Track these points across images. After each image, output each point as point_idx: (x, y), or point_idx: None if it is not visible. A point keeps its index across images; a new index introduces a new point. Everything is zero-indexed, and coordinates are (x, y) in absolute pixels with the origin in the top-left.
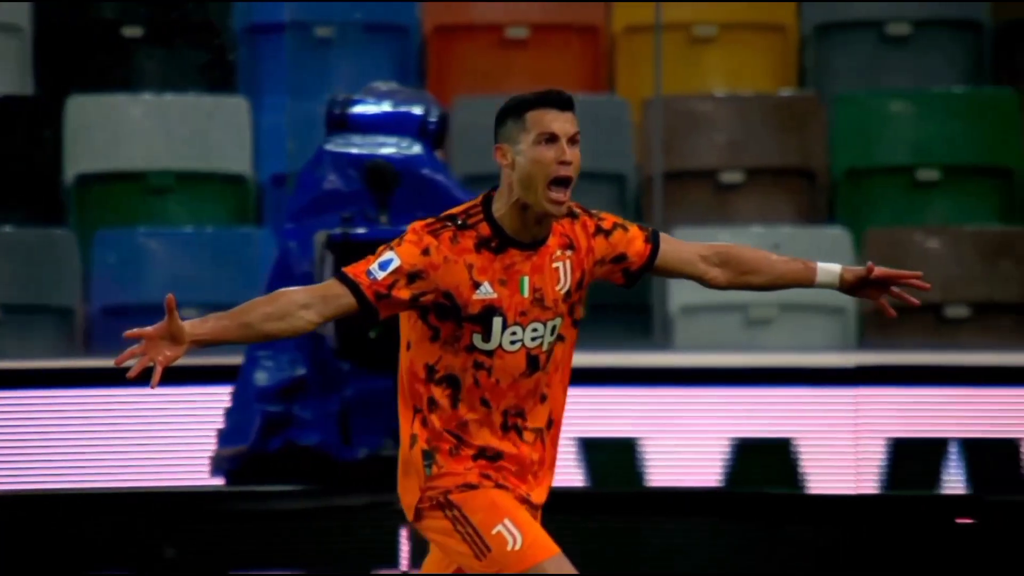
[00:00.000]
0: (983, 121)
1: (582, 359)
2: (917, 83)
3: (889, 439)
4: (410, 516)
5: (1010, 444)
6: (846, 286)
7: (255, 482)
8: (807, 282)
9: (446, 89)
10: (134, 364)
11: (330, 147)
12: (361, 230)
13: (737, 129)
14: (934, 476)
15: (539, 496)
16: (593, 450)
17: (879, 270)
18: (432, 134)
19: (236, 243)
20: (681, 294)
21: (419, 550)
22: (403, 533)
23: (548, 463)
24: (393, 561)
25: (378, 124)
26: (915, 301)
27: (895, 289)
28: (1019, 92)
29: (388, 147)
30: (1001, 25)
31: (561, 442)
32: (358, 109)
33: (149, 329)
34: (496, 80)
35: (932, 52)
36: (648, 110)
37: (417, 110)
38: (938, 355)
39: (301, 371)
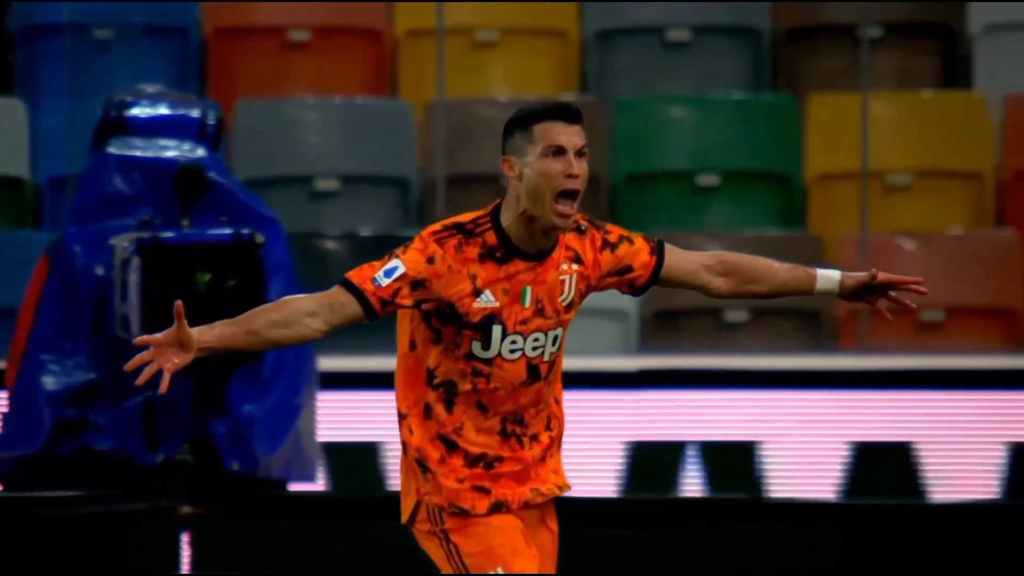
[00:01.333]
0: (762, 127)
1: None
2: (697, 89)
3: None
4: (404, 519)
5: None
6: (846, 292)
7: (35, 487)
8: (807, 289)
9: (228, 92)
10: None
11: (113, 150)
12: (169, 234)
13: None
14: (671, 479)
15: (547, 487)
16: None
17: (882, 276)
18: (211, 136)
19: (14, 246)
20: None
21: (202, 557)
22: (185, 538)
23: (552, 463)
24: (174, 566)
25: (157, 127)
26: (912, 306)
27: (893, 294)
28: (798, 98)
29: (171, 150)
30: (780, 31)
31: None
32: (136, 111)
33: (158, 336)
34: (278, 83)
35: (712, 58)
36: (431, 114)
37: (195, 112)
38: (718, 358)
39: (91, 375)
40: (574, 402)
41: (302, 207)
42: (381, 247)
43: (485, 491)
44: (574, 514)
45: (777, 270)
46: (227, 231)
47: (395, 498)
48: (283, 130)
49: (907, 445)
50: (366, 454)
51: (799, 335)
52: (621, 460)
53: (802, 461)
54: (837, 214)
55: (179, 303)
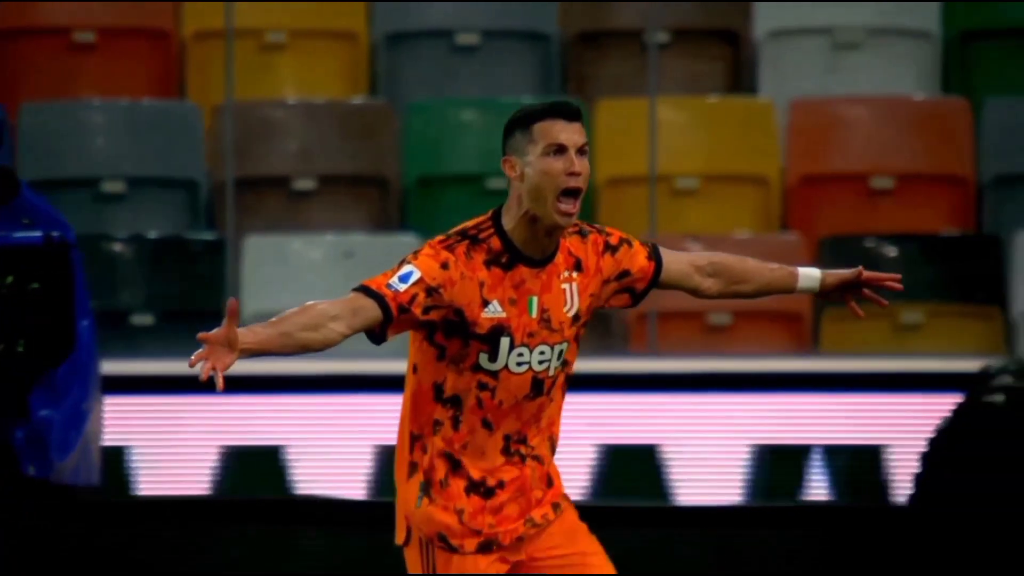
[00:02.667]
0: None
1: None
2: (487, 92)
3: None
4: (399, 540)
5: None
6: (827, 289)
7: None
8: (790, 288)
9: (12, 94)
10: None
11: None
12: None
13: (309, 136)
14: None
15: (542, 513)
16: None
17: (867, 274)
18: None
19: None
20: (254, 301)
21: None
22: None
23: (550, 484)
24: None
25: None
26: (885, 303)
27: (867, 291)
28: (587, 102)
29: None
30: (569, 36)
31: None
32: None
33: (213, 333)
34: (64, 85)
35: (502, 62)
36: (219, 116)
37: None
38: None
39: None
40: None
41: (88, 210)
42: (169, 250)
43: (476, 532)
44: None
45: (762, 270)
46: (36, 233)
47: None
48: (69, 132)
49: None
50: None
51: (592, 339)
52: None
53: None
54: (626, 217)
55: (233, 300)
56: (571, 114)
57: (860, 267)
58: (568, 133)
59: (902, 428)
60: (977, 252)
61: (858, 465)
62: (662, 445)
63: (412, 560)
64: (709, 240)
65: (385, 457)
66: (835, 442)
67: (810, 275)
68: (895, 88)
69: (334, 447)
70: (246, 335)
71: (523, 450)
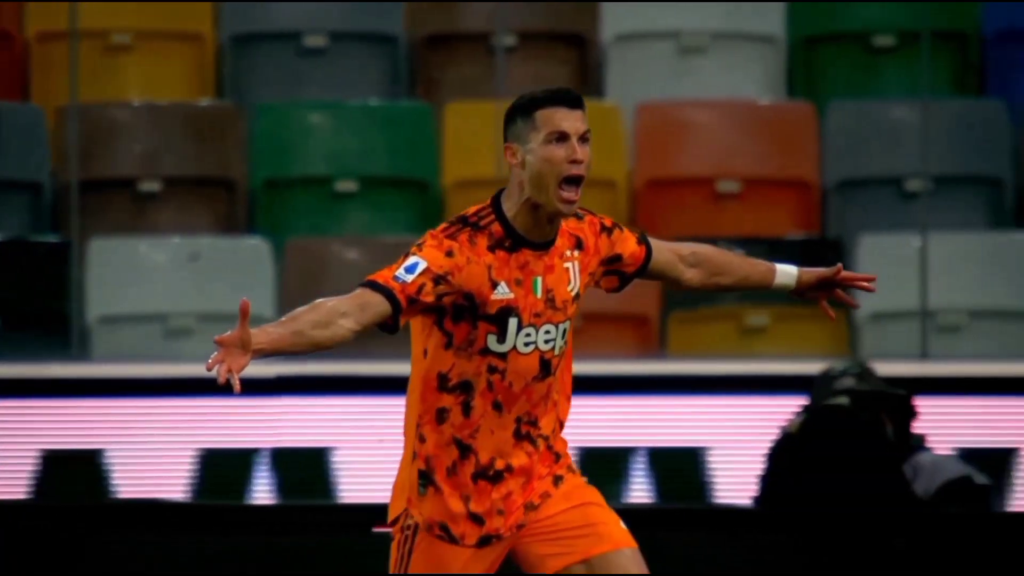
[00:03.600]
0: (400, 133)
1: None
2: (335, 95)
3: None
4: (389, 519)
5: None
6: (802, 287)
7: None
8: (767, 283)
9: None
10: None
11: None
12: None
13: (155, 138)
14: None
15: (540, 491)
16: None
17: (845, 273)
18: None
19: None
20: (99, 304)
21: None
22: None
23: (557, 460)
24: None
25: None
26: (856, 303)
27: (839, 292)
28: (435, 105)
29: None
30: (416, 39)
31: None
32: None
33: (228, 336)
34: None
35: (349, 64)
36: (64, 118)
37: None
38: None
39: None
40: None
41: None
42: (13, 253)
43: (479, 521)
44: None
45: (742, 263)
46: None
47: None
48: None
49: None
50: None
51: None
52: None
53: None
54: None
55: (245, 301)
56: (573, 101)
57: (839, 264)
58: (571, 120)
59: (731, 430)
60: (821, 255)
61: (680, 467)
62: None
63: (392, 558)
64: None
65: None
66: (659, 445)
67: (787, 272)
68: (741, 92)
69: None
70: (259, 335)
71: (533, 432)
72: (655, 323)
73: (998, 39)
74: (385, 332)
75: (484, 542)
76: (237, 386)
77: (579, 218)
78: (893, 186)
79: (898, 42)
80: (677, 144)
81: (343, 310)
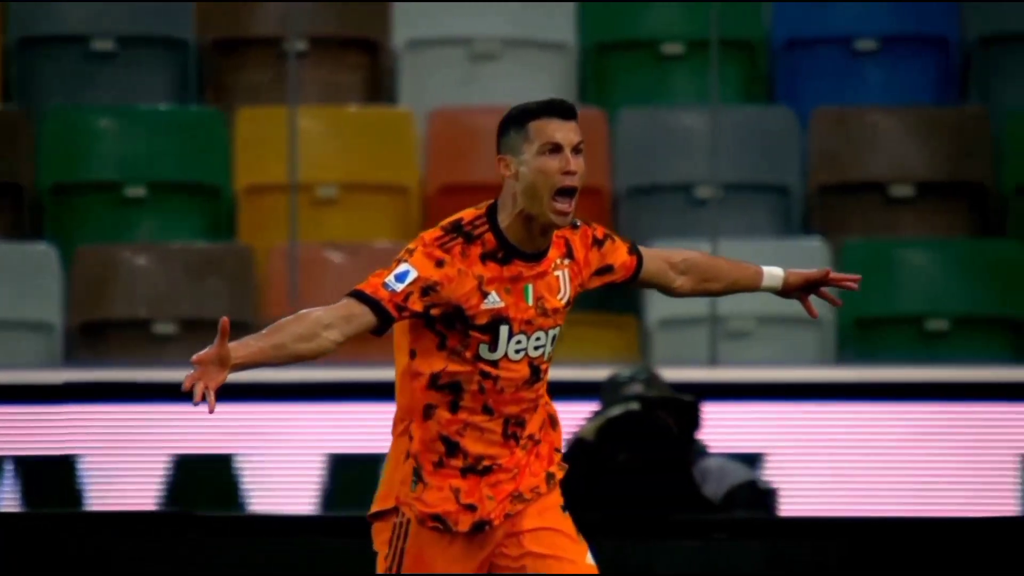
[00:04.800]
0: (190, 139)
1: None
2: (123, 99)
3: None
4: (370, 512)
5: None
6: (789, 288)
7: None
8: (755, 286)
9: None
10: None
11: None
12: None
13: None
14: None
15: (530, 487)
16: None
17: (834, 275)
18: None
19: None
20: None
21: None
22: None
23: (539, 460)
24: None
25: None
26: (839, 302)
27: (824, 291)
28: (226, 110)
29: None
30: (206, 43)
31: None
32: None
33: (205, 354)
34: None
35: (139, 69)
36: None
37: None
38: (148, 372)
39: None
40: None
41: None
42: None
43: (471, 508)
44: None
45: (731, 268)
46: None
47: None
48: None
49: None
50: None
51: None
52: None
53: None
54: (267, 226)
55: (225, 319)
56: (567, 112)
57: (827, 268)
58: (564, 132)
59: None
60: None
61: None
62: (238, 455)
63: (380, 533)
64: (349, 249)
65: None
66: None
67: (773, 274)
68: (532, 99)
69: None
70: (237, 349)
71: (520, 432)
72: None
73: (786, 47)
74: (372, 334)
75: (477, 528)
76: (212, 405)
77: (574, 227)
78: (683, 193)
79: (687, 50)
80: (469, 150)
81: (327, 322)
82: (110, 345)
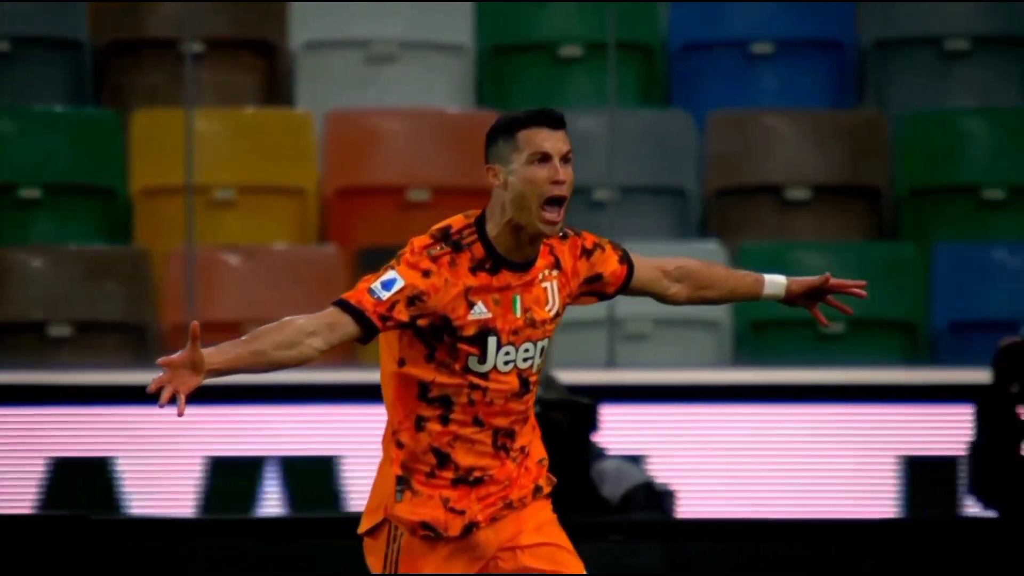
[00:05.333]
0: (85, 141)
1: None
2: (19, 100)
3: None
4: (362, 528)
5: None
6: (792, 296)
7: None
8: (755, 294)
9: None
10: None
11: None
12: None
13: None
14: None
15: (520, 493)
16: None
17: (834, 281)
18: None
19: None
20: None
21: None
22: None
23: (528, 472)
24: None
25: None
26: (849, 310)
27: (831, 299)
28: (122, 112)
29: None
30: (101, 44)
31: None
32: None
33: (175, 357)
34: None
35: (33, 70)
36: None
37: None
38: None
39: None
40: None
41: None
42: None
43: (460, 512)
44: None
45: (729, 276)
46: None
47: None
48: None
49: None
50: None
51: (126, 350)
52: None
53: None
54: (163, 229)
55: (195, 324)
56: (556, 122)
57: (827, 274)
58: (553, 141)
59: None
60: None
61: (313, 476)
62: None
63: (374, 551)
64: (247, 252)
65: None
66: (291, 454)
67: (776, 282)
68: (430, 101)
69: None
70: (214, 355)
71: (509, 444)
72: None
73: (683, 50)
74: (366, 340)
75: (467, 531)
76: (182, 408)
77: (563, 237)
78: (581, 195)
79: (585, 52)
80: (367, 152)
81: (311, 329)
82: (4, 347)
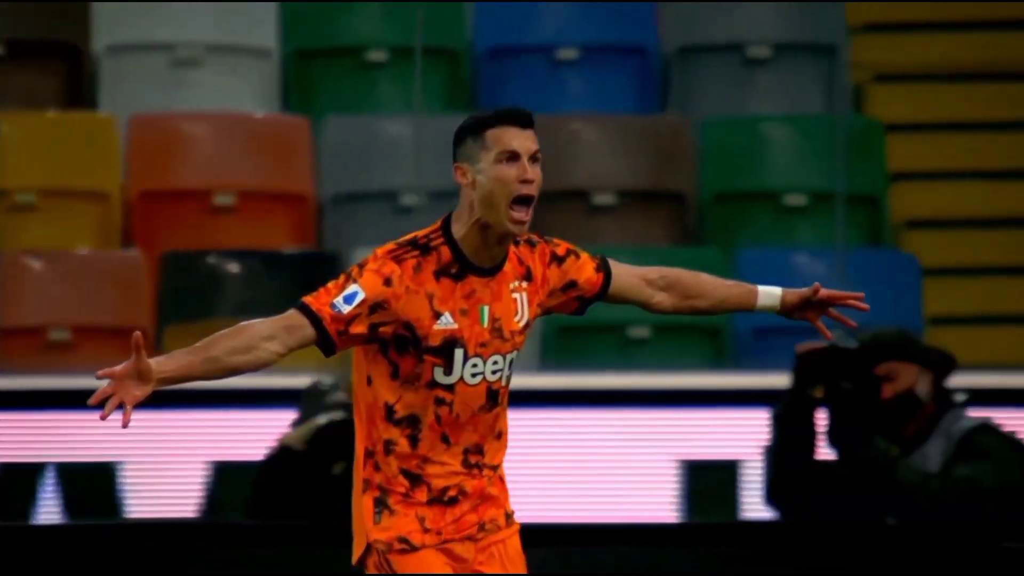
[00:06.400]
0: None
1: None
2: None
3: None
4: (354, 560)
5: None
6: (787, 308)
7: None
8: (749, 305)
9: None
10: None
11: None
12: None
13: None
14: None
15: (491, 519)
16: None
17: (824, 291)
18: None
19: None
20: None
21: None
22: None
23: (500, 491)
24: None
25: None
26: (853, 323)
27: (834, 311)
28: None
29: None
30: None
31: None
32: None
33: (118, 369)
34: None
35: None
36: None
37: None
38: None
39: None
40: None
41: None
42: None
43: (436, 532)
44: None
45: (718, 285)
46: None
47: None
48: None
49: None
50: None
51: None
52: None
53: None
54: None
55: (137, 334)
56: (524, 120)
57: (817, 284)
58: (521, 140)
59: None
60: (318, 269)
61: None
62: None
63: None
64: (49, 256)
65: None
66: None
67: (771, 293)
68: (236, 105)
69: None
70: (164, 363)
71: (481, 461)
72: (151, 335)
73: (489, 55)
74: (323, 352)
75: (442, 544)
76: (127, 419)
77: (531, 246)
78: (389, 200)
79: (391, 57)
80: (172, 157)
81: (267, 333)
82: None
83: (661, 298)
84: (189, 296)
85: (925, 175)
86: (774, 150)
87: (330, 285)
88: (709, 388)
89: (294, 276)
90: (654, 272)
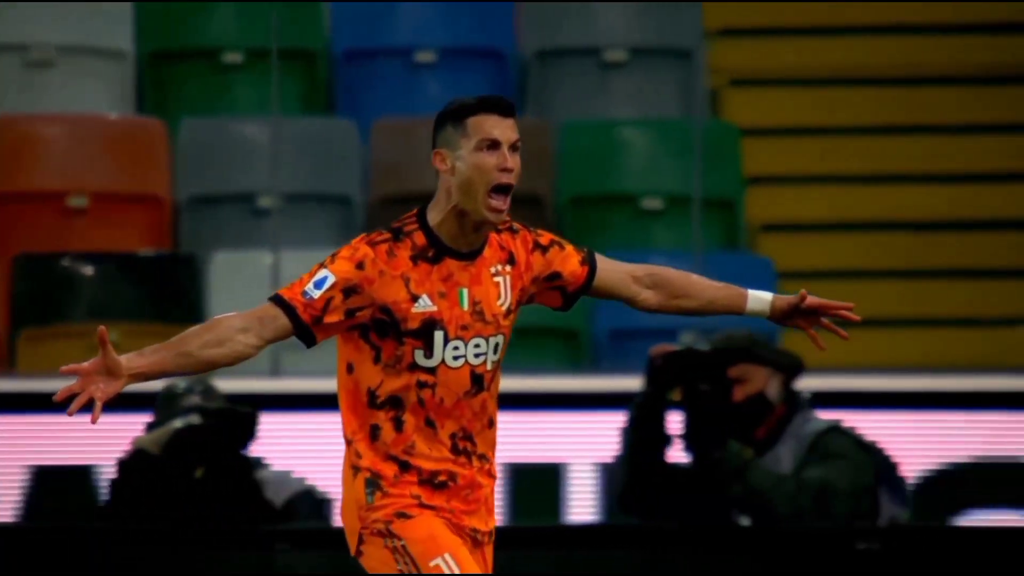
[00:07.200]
0: None
1: None
2: None
3: None
4: (352, 550)
5: None
6: (777, 314)
7: None
8: (738, 309)
9: None
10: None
11: None
12: None
13: None
14: None
15: (488, 523)
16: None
17: (811, 299)
18: None
19: None
20: None
21: None
22: None
23: (488, 492)
24: None
25: None
26: (844, 334)
27: (825, 320)
28: None
29: None
30: None
31: None
32: None
33: (85, 364)
34: None
35: None
36: None
37: None
38: None
39: None
40: None
41: None
42: None
43: (432, 508)
44: None
45: (707, 287)
46: None
47: None
48: None
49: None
50: None
51: None
52: None
53: None
54: None
55: (102, 329)
56: (505, 109)
57: (803, 291)
58: (502, 128)
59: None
60: (175, 271)
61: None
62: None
63: (373, 556)
64: None
65: None
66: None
67: (760, 297)
68: (90, 107)
69: None
70: (135, 359)
71: (470, 448)
72: (3, 340)
73: (346, 58)
74: (303, 344)
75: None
76: (96, 415)
77: (513, 232)
78: (245, 202)
79: (247, 59)
80: (26, 158)
81: (241, 326)
82: None
83: (647, 296)
84: (43, 299)
85: (780, 179)
86: (631, 154)
87: (304, 276)
88: (567, 391)
89: (150, 279)
90: (642, 269)
